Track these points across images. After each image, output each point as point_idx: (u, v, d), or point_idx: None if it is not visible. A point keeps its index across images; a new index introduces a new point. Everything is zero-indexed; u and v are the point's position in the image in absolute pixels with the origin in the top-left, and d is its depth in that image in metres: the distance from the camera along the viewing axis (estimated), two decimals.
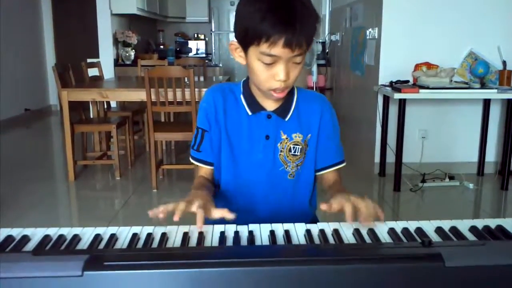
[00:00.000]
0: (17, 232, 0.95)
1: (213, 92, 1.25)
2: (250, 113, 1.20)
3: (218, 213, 1.01)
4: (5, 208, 3.27)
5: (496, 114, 4.06)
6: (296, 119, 1.22)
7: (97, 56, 5.96)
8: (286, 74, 1.05)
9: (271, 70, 1.06)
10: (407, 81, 3.76)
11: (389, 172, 3.90)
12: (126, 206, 3.44)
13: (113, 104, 5.03)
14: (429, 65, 3.79)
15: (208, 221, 1.03)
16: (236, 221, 1.00)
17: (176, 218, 0.94)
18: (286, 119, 1.21)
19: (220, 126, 1.22)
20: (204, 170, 1.28)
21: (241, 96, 1.21)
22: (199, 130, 1.25)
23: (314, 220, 1.36)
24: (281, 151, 1.21)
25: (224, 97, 1.23)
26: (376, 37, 4.00)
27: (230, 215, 0.99)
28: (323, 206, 1.02)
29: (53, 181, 4.13)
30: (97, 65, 4.99)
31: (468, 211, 3.45)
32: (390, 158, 3.87)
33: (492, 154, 4.12)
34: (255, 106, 1.20)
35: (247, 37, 1.05)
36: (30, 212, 3.23)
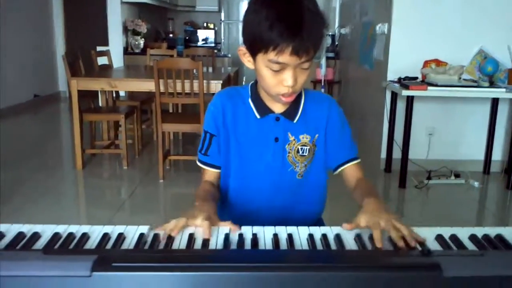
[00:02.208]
0: (27, 229, 0.97)
1: (221, 96, 1.26)
2: (258, 117, 1.22)
3: (223, 225, 1.02)
4: (13, 194, 3.32)
5: (504, 113, 4.04)
6: (303, 120, 1.24)
7: (106, 44, 5.98)
8: (294, 80, 1.07)
9: (279, 76, 1.08)
10: (416, 78, 3.75)
11: (395, 168, 3.90)
12: (133, 195, 3.48)
13: (121, 93, 5.06)
14: (438, 62, 3.78)
15: None
16: (244, 222, 1.03)
17: (174, 234, 0.96)
18: (295, 121, 1.23)
19: (228, 130, 1.24)
20: (211, 173, 1.30)
21: (249, 100, 1.23)
22: (207, 134, 1.27)
23: (320, 222, 1.39)
24: (289, 153, 1.23)
25: (232, 101, 1.24)
26: (386, 33, 3.99)
27: (235, 228, 1.00)
28: (346, 226, 1.00)
29: (61, 169, 4.18)
30: (106, 53, 5.01)
31: (472, 209, 3.46)
32: (397, 154, 3.88)
33: (498, 153, 4.12)
34: (263, 109, 1.22)
35: (255, 45, 1.07)
36: (37, 200, 3.28)
